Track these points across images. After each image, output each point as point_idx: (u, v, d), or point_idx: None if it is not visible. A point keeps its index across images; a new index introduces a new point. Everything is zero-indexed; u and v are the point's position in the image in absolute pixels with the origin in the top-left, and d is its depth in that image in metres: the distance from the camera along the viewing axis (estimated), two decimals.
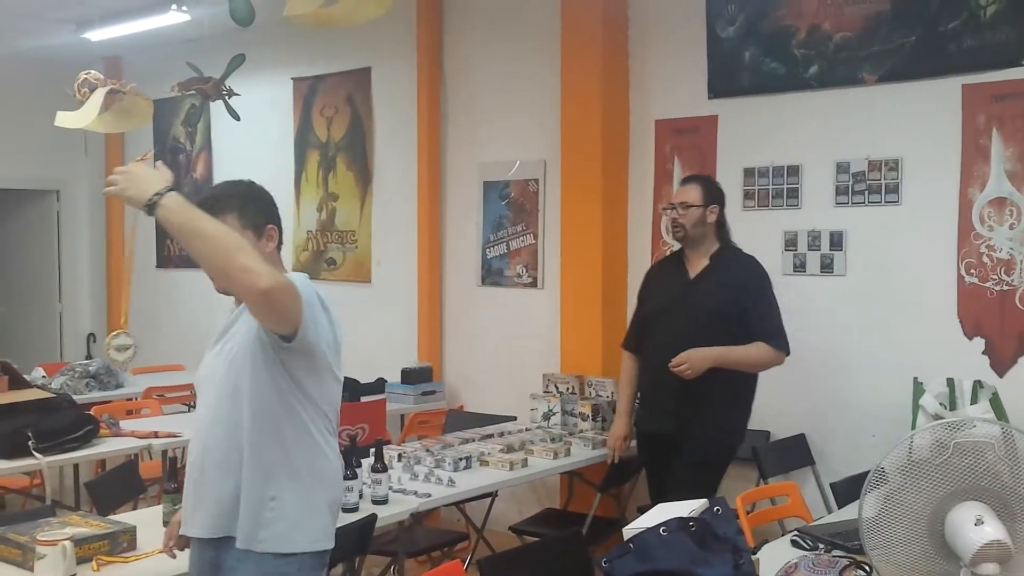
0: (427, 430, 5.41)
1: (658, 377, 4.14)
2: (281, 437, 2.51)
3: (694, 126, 5.28)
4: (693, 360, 4.01)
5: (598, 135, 5.39)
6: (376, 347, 6.28)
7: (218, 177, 7.89)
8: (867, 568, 2.53)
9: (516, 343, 5.99)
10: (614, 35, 5.44)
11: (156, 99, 5.18)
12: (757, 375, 4.22)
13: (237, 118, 5.18)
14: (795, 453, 4.79)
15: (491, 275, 6.15)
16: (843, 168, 4.79)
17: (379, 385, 5.90)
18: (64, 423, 4.45)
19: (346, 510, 3.42)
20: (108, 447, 4.65)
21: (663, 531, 2.23)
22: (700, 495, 2.58)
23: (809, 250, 4.88)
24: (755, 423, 4.38)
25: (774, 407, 4.70)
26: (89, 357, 7.78)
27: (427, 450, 4.37)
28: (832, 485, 4.22)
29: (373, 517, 3.42)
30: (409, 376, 6.02)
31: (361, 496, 3.62)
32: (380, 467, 3.67)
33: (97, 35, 7.02)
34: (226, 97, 5.06)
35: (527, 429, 5.05)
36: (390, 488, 3.74)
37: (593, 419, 5.05)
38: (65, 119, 4.69)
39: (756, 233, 4.83)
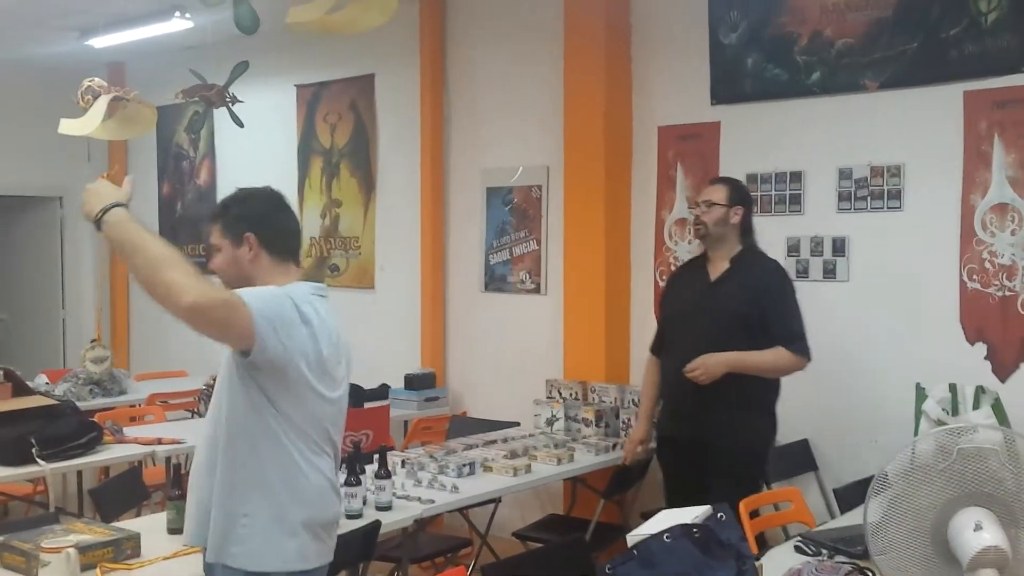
0: (430, 436, 5.41)
1: (678, 381, 4.08)
2: (256, 454, 2.48)
3: (697, 132, 5.29)
4: (708, 365, 3.96)
5: (601, 141, 5.40)
6: (379, 353, 6.28)
7: (221, 184, 7.91)
8: (871, 573, 2.53)
9: (519, 349, 5.99)
10: (617, 41, 5.45)
11: (160, 106, 5.17)
12: (779, 380, 4.17)
13: (241, 125, 5.20)
14: (798, 458, 4.79)
15: (494, 281, 6.16)
16: (845, 174, 4.80)
17: (382, 391, 5.89)
18: (68, 430, 4.45)
19: (350, 516, 3.43)
20: (112, 454, 4.65)
21: (667, 537, 2.23)
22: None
23: (812, 256, 4.89)
24: None
25: (777, 412, 4.70)
26: None
27: (431, 456, 4.37)
28: (835, 490, 4.22)
29: (377, 523, 3.42)
30: (412, 382, 6.03)
31: (365, 502, 3.62)
32: (384, 473, 3.68)
33: (101, 42, 7.03)
34: (230, 104, 5.08)
35: (530, 435, 5.05)
36: (394, 494, 3.74)
37: (596, 425, 5.05)
38: (69, 126, 4.69)
39: (759, 239, 4.82)
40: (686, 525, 2.27)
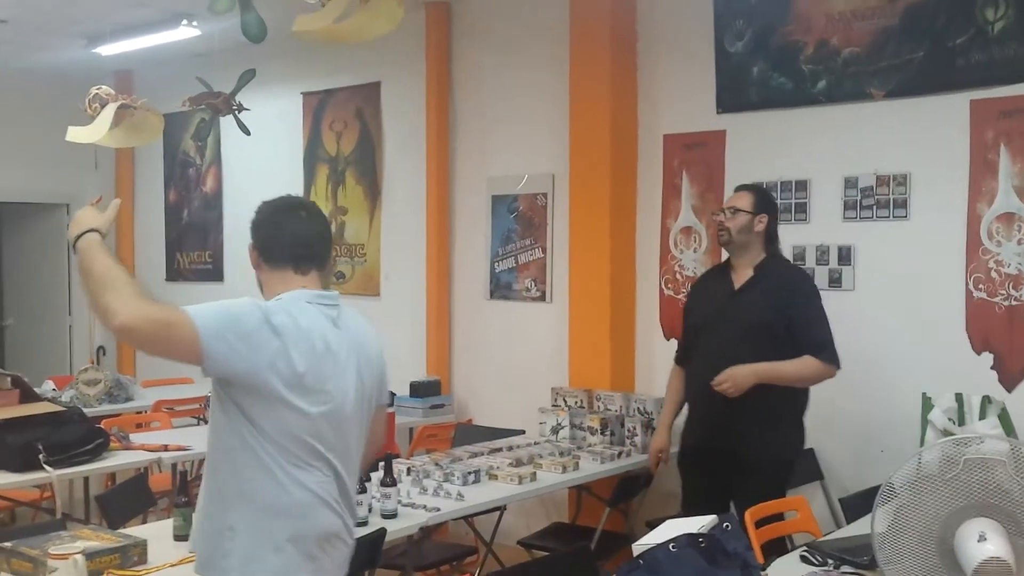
0: (436, 444, 5.41)
1: (704, 391, 4.02)
2: (236, 468, 2.45)
3: (702, 141, 5.30)
4: (736, 378, 3.90)
5: (607, 149, 5.41)
6: (385, 360, 6.27)
7: (227, 191, 7.94)
8: None
9: (525, 357, 5.99)
10: (623, 50, 5.46)
11: (166, 113, 5.21)
12: (808, 389, 4.13)
13: (247, 132, 5.22)
14: (804, 468, 4.76)
15: (500, 289, 6.16)
16: (851, 183, 4.80)
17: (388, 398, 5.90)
18: (74, 436, 4.45)
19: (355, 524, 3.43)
20: (118, 460, 4.65)
21: (672, 547, 2.23)
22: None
23: (817, 265, 4.89)
24: None
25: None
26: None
27: (436, 464, 4.38)
28: (841, 500, 4.21)
29: (382, 531, 3.43)
30: (418, 389, 6.03)
31: (370, 510, 3.63)
32: (389, 481, 3.68)
33: (108, 50, 7.07)
34: (236, 112, 5.10)
35: (536, 443, 5.05)
36: (399, 502, 3.75)
37: (602, 433, 5.04)
38: (76, 134, 4.72)
39: None
40: (692, 534, 2.26)
